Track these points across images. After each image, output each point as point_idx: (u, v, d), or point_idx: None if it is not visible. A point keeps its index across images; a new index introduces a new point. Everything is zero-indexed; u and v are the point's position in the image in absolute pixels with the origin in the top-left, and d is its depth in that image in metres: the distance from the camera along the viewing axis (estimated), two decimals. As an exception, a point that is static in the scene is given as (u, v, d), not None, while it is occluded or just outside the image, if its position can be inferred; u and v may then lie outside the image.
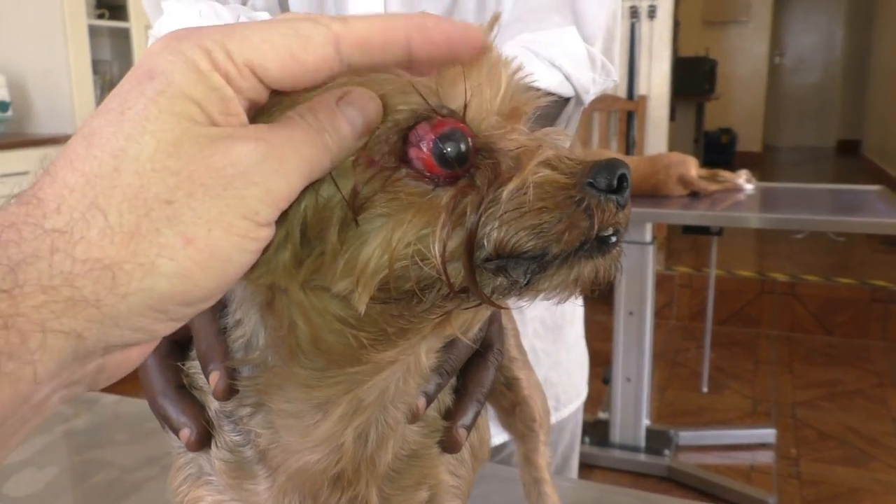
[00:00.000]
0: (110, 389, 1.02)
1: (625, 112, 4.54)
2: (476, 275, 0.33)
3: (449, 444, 0.48)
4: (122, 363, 0.28)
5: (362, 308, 0.34)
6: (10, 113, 3.29)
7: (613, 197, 0.34)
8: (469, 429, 0.49)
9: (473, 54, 0.35)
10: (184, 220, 0.26)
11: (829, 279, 4.10)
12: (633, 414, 2.62)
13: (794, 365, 3.62)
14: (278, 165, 0.29)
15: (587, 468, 2.64)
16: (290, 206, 0.32)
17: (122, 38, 3.79)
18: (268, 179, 0.28)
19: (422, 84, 0.35)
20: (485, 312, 0.40)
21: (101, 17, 3.71)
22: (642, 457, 2.63)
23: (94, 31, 3.54)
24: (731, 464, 2.71)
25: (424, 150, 0.34)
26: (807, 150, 9.99)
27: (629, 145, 4.53)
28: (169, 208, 0.26)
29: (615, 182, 0.34)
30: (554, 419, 1.04)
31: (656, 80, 4.60)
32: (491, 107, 0.36)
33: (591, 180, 0.33)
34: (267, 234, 0.29)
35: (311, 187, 0.33)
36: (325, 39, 0.30)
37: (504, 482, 0.80)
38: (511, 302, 0.36)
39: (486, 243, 0.33)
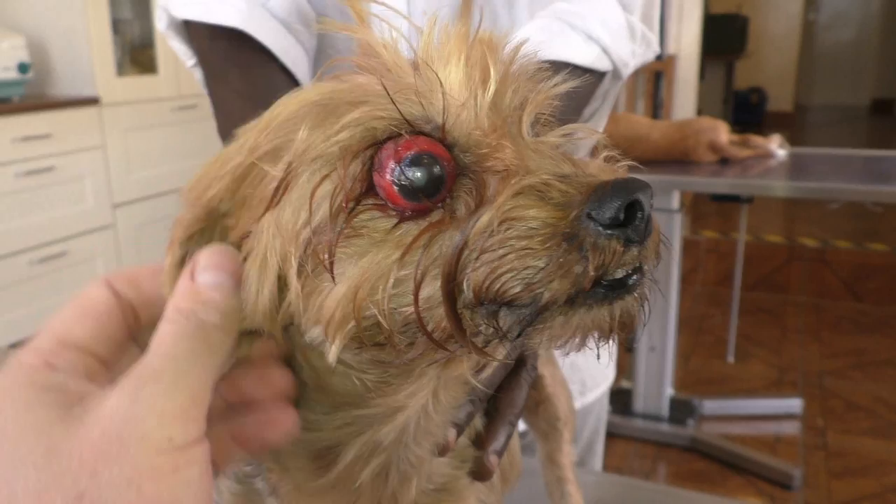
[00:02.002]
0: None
1: (652, 72, 4.43)
2: (462, 322, 0.28)
3: (480, 473, 0.44)
4: None
5: (332, 359, 0.30)
6: (30, 74, 3.27)
7: (618, 233, 0.27)
8: (501, 454, 0.45)
9: None
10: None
11: (861, 245, 4.01)
12: (657, 383, 2.59)
13: (823, 333, 3.56)
14: (165, 388, 0.26)
15: (609, 437, 2.61)
16: (265, 252, 0.30)
17: (142, -3, 3.75)
18: (156, 406, 0.26)
19: (406, 89, 0.30)
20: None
21: (120, -24, 3.66)
22: (665, 426, 2.61)
23: (113, -10, 3.50)
24: (756, 434, 2.68)
25: (387, 177, 0.29)
26: (839, 109, 9.76)
27: (656, 106, 4.44)
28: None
29: (621, 215, 0.27)
30: (579, 404, 1.01)
31: (686, 40, 4.48)
32: (477, 115, 0.30)
33: (589, 212, 0.27)
34: (198, 447, 0.26)
35: (276, 232, 0.31)
36: (102, 289, 0.31)
37: (526, 475, 0.77)
38: (506, 352, 0.30)
39: (465, 287, 0.28)
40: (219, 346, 0.29)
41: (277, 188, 0.31)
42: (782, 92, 9.15)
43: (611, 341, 0.30)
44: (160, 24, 0.79)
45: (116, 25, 3.59)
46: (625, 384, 2.74)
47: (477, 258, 0.27)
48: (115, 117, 3.49)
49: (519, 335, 0.28)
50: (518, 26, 0.79)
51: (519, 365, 0.49)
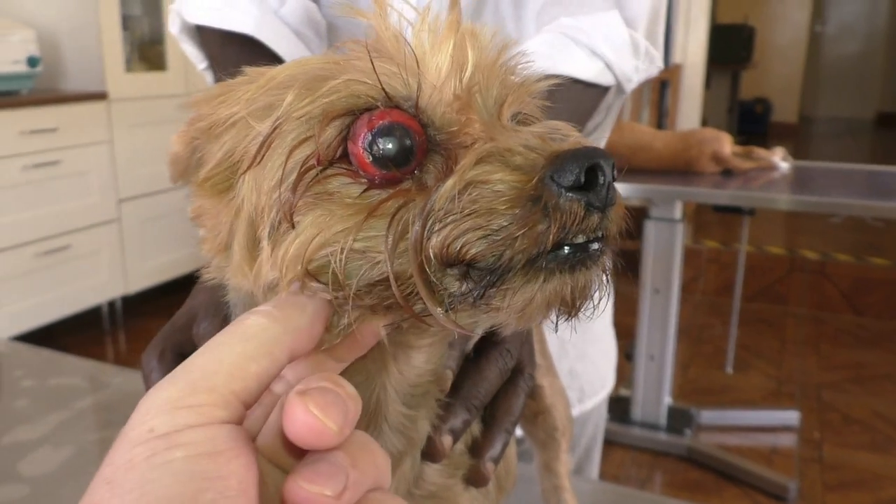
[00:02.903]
0: (124, 365, 1.02)
1: (657, 81, 4.44)
2: (430, 283, 0.29)
3: (475, 479, 0.45)
4: None
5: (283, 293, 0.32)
6: (40, 68, 3.29)
7: (580, 196, 0.28)
8: (497, 461, 0.46)
9: None
10: None
11: (862, 259, 4.02)
12: (655, 392, 2.60)
13: (822, 346, 3.57)
14: (162, 385, 0.27)
15: (606, 445, 2.62)
16: (242, 206, 0.31)
17: (153, -7, 3.76)
18: (145, 404, 0.26)
19: (391, 68, 0.32)
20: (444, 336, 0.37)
21: (131, -28, 3.68)
22: (662, 435, 2.62)
23: (124, -13, 3.52)
24: (752, 445, 2.69)
25: (359, 144, 0.31)
26: (844, 121, 9.77)
27: (661, 115, 4.44)
28: None
29: (582, 177, 0.28)
30: (578, 411, 1.02)
31: (692, 49, 4.50)
32: (447, 94, 0.32)
33: (552, 175, 0.28)
34: (189, 432, 0.26)
35: (254, 187, 0.32)
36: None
37: (521, 481, 0.78)
38: (470, 322, 0.31)
39: (430, 249, 0.29)
40: (254, 334, 0.29)
41: (261, 145, 0.32)
42: (787, 103, 9.17)
43: (573, 314, 0.31)
44: (173, 27, 0.80)
45: (126, 21, 3.61)
46: (623, 392, 2.75)
47: (441, 220, 0.29)
48: (122, 113, 3.50)
49: (482, 296, 0.29)
50: (525, 37, 0.81)
51: (516, 373, 0.49)
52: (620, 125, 2.39)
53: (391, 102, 0.31)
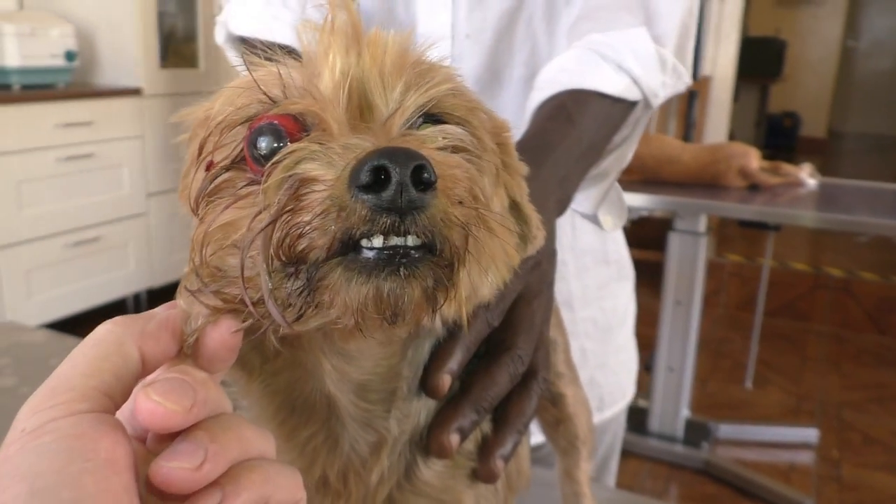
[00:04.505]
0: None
1: (686, 93, 4.43)
2: (271, 279, 0.31)
3: (485, 475, 0.46)
4: None
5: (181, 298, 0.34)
6: (76, 63, 3.35)
7: (366, 196, 0.28)
8: (507, 459, 0.47)
9: None
10: None
11: (887, 278, 3.99)
12: (673, 404, 2.60)
13: (843, 364, 3.54)
14: (35, 395, 0.30)
15: (623, 455, 2.61)
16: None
17: (188, -9, 3.82)
18: (21, 412, 0.29)
19: (272, 79, 0.34)
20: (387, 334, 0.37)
21: (167, -30, 3.73)
22: (679, 448, 2.62)
23: (160, -16, 3.58)
24: (770, 461, 2.68)
25: (246, 145, 0.33)
26: (874, 138, 9.66)
27: (688, 126, 4.44)
28: None
29: (367, 178, 0.28)
30: (597, 419, 1.03)
31: (721, 62, 4.48)
32: (316, 97, 0.33)
33: (349, 175, 0.29)
34: (52, 423, 0.28)
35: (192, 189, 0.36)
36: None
37: (541, 486, 0.80)
38: (308, 320, 0.32)
39: (271, 249, 0.30)
40: (102, 338, 0.32)
41: (197, 151, 0.36)
42: (816, 118, 9.09)
43: (389, 325, 0.32)
44: (219, 38, 0.83)
45: (161, 18, 3.67)
46: (641, 403, 2.75)
47: (274, 221, 0.30)
48: (155, 108, 3.56)
49: (305, 289, 0.30)
50: (557, 52, 0.82)
51: (529, 377, 0.50)
52: (648, 137, 2.40)
53: (273, 105, 0.34)
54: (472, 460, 0.46)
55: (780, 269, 4.08)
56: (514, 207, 0.43)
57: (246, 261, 0.31)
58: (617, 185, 0.88)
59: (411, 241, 0.30)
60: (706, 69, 4.48)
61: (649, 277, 3.51)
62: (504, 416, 0.48)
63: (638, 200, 2.26)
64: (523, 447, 0.53)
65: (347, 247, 0.30)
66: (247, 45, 0.81)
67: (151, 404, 0.29)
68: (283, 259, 0.30)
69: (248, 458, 0.31)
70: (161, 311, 0.34)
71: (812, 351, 3.70)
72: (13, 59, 3.10)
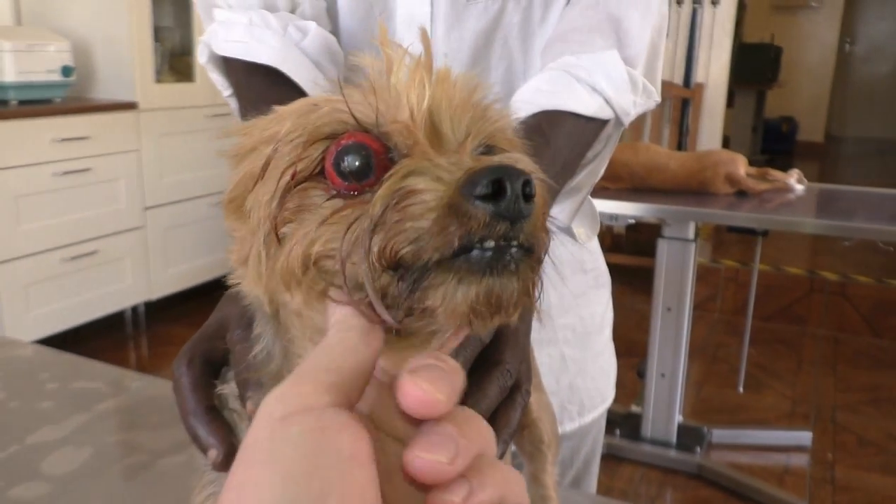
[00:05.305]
0: (145, 371, 1.06)
1: (679, 100, 4.46)
2: (374, 283, 0.33)
3: None
4: None
5: (297, 307, 0.37)
6: (73, 78, 3.38)
7: (486, 204, 0.32)
8: None
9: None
10: None
11: (882, 281, 4.00)
12: (666, 409, 2.62)
13: (839, 367, 3.56)
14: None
15: (617, 461, 2.65)
16: (252, 221, 0.37)
17: (185, 5, 3.85)
18: (265, 400, 0.31)
19: (360, 101, 0.36)
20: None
21: (163, -15, 3.77)
22: (673, 453, 2.63)
23: (156, -1, 3.62)
24: (764, 465, 2.69)
25: (329, 160, 0.36)
26: (872, 141, 9.68)
27: (682, 133, 4.46)
28: None
29: (488, 188, 0.32)
30: (577, 424, 1.05)
31: (715, 69, 4.51)
32: (404, 121, 0.36)
33: (465, 185, 0.32)
34: (299, 415, 0.30)
35: (257, 204, 0.37)
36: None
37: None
38: (418, 325, 0.35)
39: (373, 255, 0.33)
40: (339, 341, 0.34)
41: (263, 166, 0.38)
42: (814, 122, 9.11)
43: (493, 319, 0.34)
44: (202, 58, 0.85)
45: (158, 32, 3.70)
46: (634, 409, 2.76)
47: (380, 226, 0.33)
48: (151, 122, 3.59)
49: (412, 293, 0.33)
50: (532, 70, 0.85)
51: (514, 389, 0.53)
52: (636, 146, 2.42)
53: (360, 127, 0.36)
54: None
55: (776, 274, 4.09)
56: None
57: (348, 268, 0.34)
58: (590, 198, 0.90)
59: (516, 244, 0.33)
60: (699, 76, 4.50)
61: (643, 283, 3.54)
62: (493, 427, 0.51)
63: (627, 209, 2.28)
64: (507, 457, 0.56)
65: (463, 249, 0.32)
66: (229, 65, 0.84)
67: (420, 392, 0.30)
68: (384, 264, 0.33)
69: (485, 454, 0.32)
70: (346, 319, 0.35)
71: (808, 354, 3.72)
72: (10, 75, 3.14)
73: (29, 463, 0.82)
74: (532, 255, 0.34)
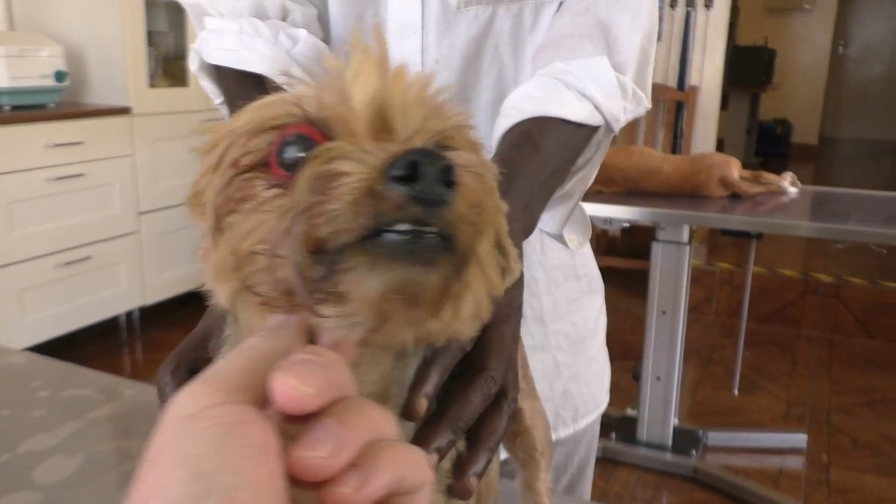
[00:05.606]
0: (140, 376, 1.06)
1: (673, 103, 4.47)
2: (302, 273, 0.33)
3: (460, 491, 0.48)
4: None
5: (223, 302, 0.37)
6: (66, 83, 3.38)
7: (401, 186, 0.31)
8: (480, 476, 0.49)
9: None
10: None
11: (876, 283, 4.01)
12: (661, 413, 2.62)
13: (833, 369, 3.57)
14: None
15: (612, 464, 2.65)
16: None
17: (178, 10, 3.85)
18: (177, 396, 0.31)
19: (311, 95, 0.37)
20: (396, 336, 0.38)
21: (157, -11, 3.77)
22: (668, 456, 2.63)
23: (150, 4, 3.60)
24: (759, 467, 2.70)
25: (273, 153, 0.36)
26: (866, 143, 9.72)
27: (676, 136, 4.47)
28: None
29: (401, 172, 0.31)
30: (571, 430, 1.05)
31: (709, 72, 4.52)
32: (347, 115, 0.36)
33: (383, 168, 0.32)
34: (209, 409, 0.30)
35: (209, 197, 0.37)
36: None
37: (507, 498, 0.82)
38: (334, 312, 0.34)
39: (298, 241, 0.33)
40: (255, 345, 0.34)
41: (218, 158, 0.38)
42: (808, 124, 9.14)
43: (410, 313, 0.34)
44: (193, 65, 0.85)
45: (152, 37, 3.69)
46: (630, 412, 2.77)
47: (304, 210, 0.33)
48: (144, 127, 3.58)
49: (328, 275, 0.33)
50: (523, 76, 0.85)
51: (500, 397, 0.52)
52: (630, 149, 2.43)
53: (306, 119, 0.36)
54: (447, 478, 0.48)
55: (770, 276, 4.10)
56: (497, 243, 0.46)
57: (277, 256, 0.34)
58: (581, 204, 0.90)
59: (432, 230, 0.32)
60: (693, 79, 4.51)
61: (638, 286, 3.54)
62: (477, 435, 0.50)
63: (621, 212, 2.29)
64: (493, 464, 0.55)
65: (374, 232, 0.32)
66: (220, 73, 0.84)
67: (287, 388, 0.30)
68: (308, 249, 0.33)
69: (377, 439, 0.31)
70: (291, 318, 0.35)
71: (803, 356, 3.72)
72: (3, 80, 3.13)
73: (20, 471, 0.81)
74: (456, 251, 0.33)
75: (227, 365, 0.32)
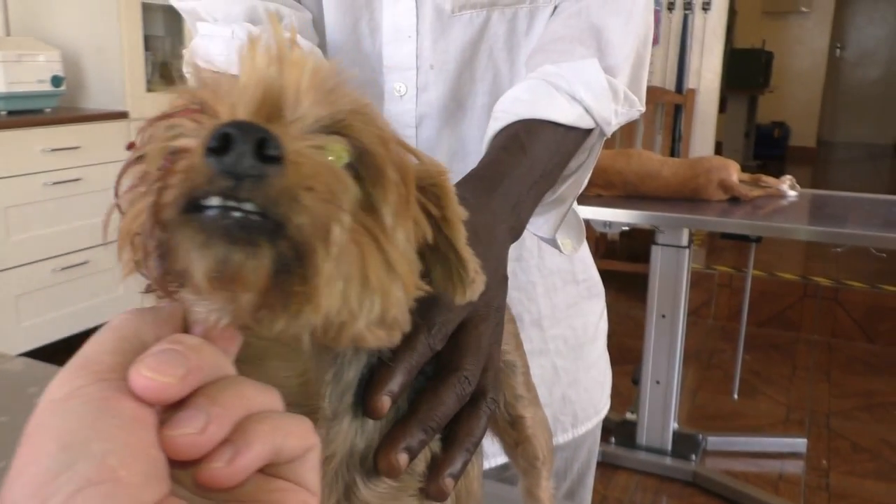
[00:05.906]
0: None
1: (672, 105, 4.47)
2: (148, 240, 0.33)
3: (434, 492, 0.47)
4: None
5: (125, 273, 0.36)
6: (63, 88, 3.37)
7: (212, 159, 0.30)
8: (457, 478, 0.48)
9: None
10: None
11: (875, 286, 4.01)
12: (661, 417, 2.61)
13: (833, 373, 3.56)
14: None
15: (612, 469, 2.64)
16: None
17: (175, 14, 3.84)
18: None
19: (209, 84, 0.37)
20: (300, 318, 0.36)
21: (154, -6, 3.76)
22: (668, 460, 2.63)
23: (147, 8, 3.60)
24: (759, 472, 2.69)
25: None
26: (864, 146, 9.73)
27: (675, 139, 4.47)
28: None
29: (217, 143, 0.30)
30: (570, 436, 1.04)
31: (706, 74, 4.52)
32: (240, 99, 0.35)
33: (205, 142, 0.31)
34: (79, 391, 0.30)
35: None
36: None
37: (507, 503, 0.81)
38: (192, 296, 0.34)
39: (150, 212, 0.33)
40: (124, 323, 0.34)
41: (133, 154, 0.38)
42: (806, 127, 9.15)
43: (236, 290, 0.33)
44: (186, 70, 0.85)
45: (149, 42, 3.69)
46: (629, 416, 2.76)
47: (149, 190, 0.32)
48: (142, 132, 3.57)
49: (164, 253, 0.32)
50: (518, 81, 0.85)
51: (478, 397, 0.51)
52: (628, 153, 2.42)
53: (196, 106, 0.36)
54: (420, 481, 0.47)
55: (769, 280, 4.10)
56: (448, 250, 0.44)
57: (139, 236, 0.34)
58: (575, 209, 0.89)
59: (249, 207, 0.31)
60: (691, 82, 4.51)
61: (637, 290, 3.54)
62: (453, 435, 0.49)
63: (620, 216, 2.28)
64: (473, 468, 0.54)
65: (192, 206, 0.31)
66: None
67: (144, 380, 0.29)
68: (154, 226, 0.32)
69: (253, 413, 0.31)
70: (167, 304, 0.35)
71: (802, 360, 3.72)
72: None
73: (15, 481, 0.80)
74: (288, 235, 0.32)
75: (96, 346, 0.32)
